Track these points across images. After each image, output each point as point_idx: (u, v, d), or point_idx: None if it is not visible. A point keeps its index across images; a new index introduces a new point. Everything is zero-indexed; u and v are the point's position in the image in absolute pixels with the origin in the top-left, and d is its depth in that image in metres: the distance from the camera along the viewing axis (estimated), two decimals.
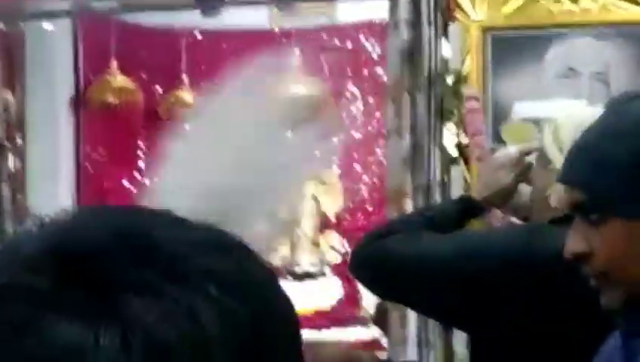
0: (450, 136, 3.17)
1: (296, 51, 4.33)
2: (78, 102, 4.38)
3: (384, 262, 1.61)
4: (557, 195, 1.55)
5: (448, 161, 3.16)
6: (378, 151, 4.30)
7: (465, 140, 3.15)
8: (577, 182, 1.08)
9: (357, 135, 4.47)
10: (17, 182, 4.04)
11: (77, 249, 0.46)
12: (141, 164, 4.52)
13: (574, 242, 1.09)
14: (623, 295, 1.06)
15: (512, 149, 1.80)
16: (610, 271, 1.06)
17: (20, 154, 4.04)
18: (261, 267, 0.52)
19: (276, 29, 4.47)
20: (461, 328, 1.86)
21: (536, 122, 3.32)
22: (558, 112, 3.35)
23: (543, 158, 1.64)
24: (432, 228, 1.62)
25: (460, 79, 3.17)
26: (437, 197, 3.14)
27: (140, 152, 4.52)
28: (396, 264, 1.60)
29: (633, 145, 1.02)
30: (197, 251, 0.47)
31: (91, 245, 0.46)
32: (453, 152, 3.17)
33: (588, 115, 1.67)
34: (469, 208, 1.74)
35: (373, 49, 4.38)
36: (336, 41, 4.43)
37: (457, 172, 3.18)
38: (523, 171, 1.74)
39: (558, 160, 1.59)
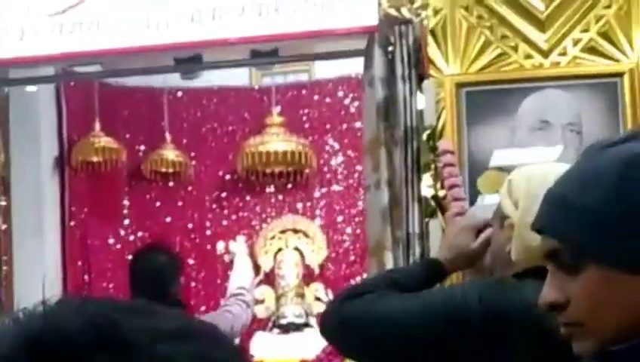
0: (428, 189, 3.23)
1: (277, 108, 4.40)
2: (63, 162, 4.43)
3: (354, 323, 1.63)
4: (519, 248, 1.58)
5: (427, 214, 3.21)
6: (360, 203, 4.36)
7: (442, 193, 3.20)
8: (551, 230, 1.07)
9: (338, 188, 4.53)
10: (2, 241, 4.07)
11: (49, 342, 0.50)
12: (126, 221, 4.56)
13: (550, 291, 1.07)
14: (597, 344, 1.05)
15: (478, 212, 1.83)
16: (586, 321, 1.05)
17: (5, 214, 4.07)
18: (226, 353, 0.55)
19: (256, 87, 4.55)
20: None
21: (512, 170, 3.38)
22: (534, 160, 3.43)
23: (500, 215, 1.67)
24: (399, 290, 1.66)
25: (436, 133, 3.23)
26: (416, 249, 3.19)
27: (124, 210, 4.56)
28: (364, 325, 1.62)
29: (606, 192, 1.02)
30: (161, 339, 0.51)
31: (62, 338, 0.50)
32: (431, 205, 3.22)
33: (539, 168, 1.72)
34: (434, 271, 1.77)
35: (351, 103, 4.46)
36: (316, 97, 4.51)
37: (436, 224, 3.22)
38: (489, 237, 1.75)
39: (513, 215, 1.63)
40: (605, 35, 3.25)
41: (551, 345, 1.33)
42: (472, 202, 3.23)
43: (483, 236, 1.77)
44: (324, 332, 1.75)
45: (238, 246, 4.33)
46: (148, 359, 0.50)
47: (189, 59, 3.38)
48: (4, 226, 4.08)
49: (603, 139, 1.19)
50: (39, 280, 4.19)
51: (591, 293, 1.04)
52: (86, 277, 4.48)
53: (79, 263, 4.47)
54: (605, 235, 1.02)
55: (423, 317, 1.56)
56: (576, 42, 3.27)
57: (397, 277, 1.74)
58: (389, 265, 3.18)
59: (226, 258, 4.34)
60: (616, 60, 3.24)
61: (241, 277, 3.99)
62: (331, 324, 1.71)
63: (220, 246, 4.40)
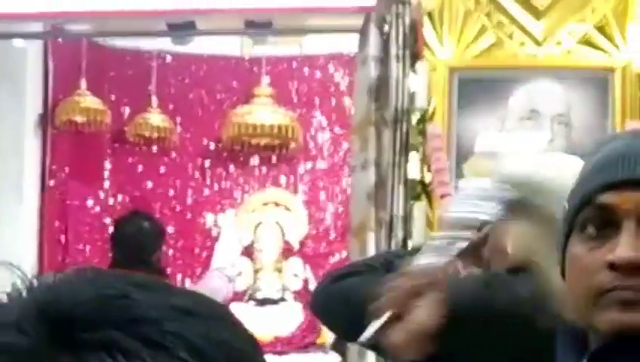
0: (415, 172, 3.22)
1: (266, 79, 4.37)
2: (46, 120, 4.38)
3: (344, 302, 1.64)
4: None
5: (412, 197, 3.21)
6: (344, 180, 4.35)
7: (428, 176, 3.20)
8: None
9: (323, 164, 4.52)
10: None
11: (59, 311, 0.50)
12: (106, 184, 4.53)
13: (634, 248, 0.96)
14: None
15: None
16: None
17: None
18: (238, 334, 0.55)
19: (246, 57, 4.51)
20: None
21: (497, 156, 3.40)
22: (519, 146, 3.45)
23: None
24: (391, 272, 1.66)
25: (426, 117, 3.23)
26: (399, 232, 3.19)
27: (105, 172, 4.53)
28: (354, 305, 1.62)
29: None
30: (171, 315, 0.51)
31: (72, 307, 0.50)
32: (417, 188, 3.22)
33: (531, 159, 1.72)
34: None
35: (341, 80, 4.44)
36: (306, 71, 4.48)
37: (420, 207, 3.23)
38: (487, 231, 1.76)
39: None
40: (601, 29, 3.24)
41: (533, 345, 1.33)
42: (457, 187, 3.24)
43: (486, 228, 1.78)
44: (312, 308, 1.77)
45: (227, 219, 4.32)
46: (157, 333, 0.50)
47: (183, 25, 3.35)
48: None
49: None
50: (15, 237, 4.16)
51: None
52: (62, 237, 4.45)
53: (56, 223, 4.43)
54: None
55: None
56: (571, 34, 3.26)
57: (392, 259, 1.75)
58: (371, 246, 3.19)
59: (214, 231, 4.33)
60: (610, 55, 3.24)
61: (226, 250, 3.98)
62: (321, 302, 1.73)
63: (210, 219, 4.38)
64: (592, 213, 1.01)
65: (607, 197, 0.99)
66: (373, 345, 1.63)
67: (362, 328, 1.64)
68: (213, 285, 3.79)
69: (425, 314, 1.50)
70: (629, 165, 1.00)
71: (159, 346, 0.49)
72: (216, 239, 4.34)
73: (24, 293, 0.53)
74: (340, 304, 1.67)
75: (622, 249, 0.97)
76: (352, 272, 1.72)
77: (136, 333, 0.49)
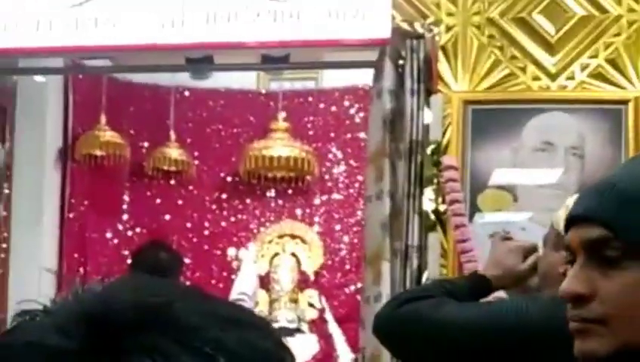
0: (429, 203, 3.25)
1: (282, 114, 4.43)
2: (66, 154, 4.44)
3: (418, 323, 1.66)
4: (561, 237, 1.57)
5: (427, 227, 3.23)
6: (359, 212, 4.39)
7: (443, 207, 3.23)
8: (604, 216, 1.00)
9: (338, 196, 4.56)
10: (1, 229, 4.09)
11: (104, 316, 0.52)
12: (125, 216, 4.58)
13: (577, 282, 1.00)
14: (615, 345, 0.99)
15: (525, 242, 1.89)
16: (613, 319, 0.99)
17: (6, 203, 4.09)
18: (277, 344, 0.56)
19: (263, 91, 4.58)
20: None
21: (512, 190, 3.43)
22: (535, 181, 3.47)
23: (552, 239, 1.74)
24: (452, 299, 1.70)
25: (440, 148, 3.27)
26: (414, 261, 3.21)
27: (124, 205, 4.58)
28: (431, 326, 1.65)
29: None
30: (212, 323, 0.53)
31: (117, 314, 0.53)
32: (432, 219, 3.25)
33: None
34: (481, 287, 1.83)
35: (356, 114, 4.49)
36: (321, 105, 4.54)
37: (435, 238, 3.25)
38: (534, 262, 1.83)
39: None
40: (613, 62, 3.28)
41: None
42: (472, 218, 3.27)
43: (532, 258, 1.85)
44: (379, 331, 1.76)
45: (248, 253, 4.35)
46: (198, 340, 0.52)
47: (201, 60, 3.41)
48: (4, 213, 4.10)
49: None
50: (35, 269, 4.21)
51: (627, 292, 0.98)
52: (81, 269, 4.49)
53: (76, 255, 4.48)
54: None
55: (489, 324, 1.60)
56: (584, 67, 3.31)
57: (448, 286, 1.79)
58: (386, 275, 3.21)
59: (234, 264, 4.35)
60: (622, 88, 3.28)
61: (244, 283, 4.01)
62: (389, 324, 1.73)
63: (232, 252, 4.40)
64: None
65: (568, 235, 1.07)
66: None
67: (435, 350, 1.66)
68: None
69: None
70: (577, 202, 1.06)
71: (199, 352, 0.51)
72: (233, 271, 4.37)
73: (70, 299, 0.55)
74: (410, 325, 1.69)
75: (564, 282, 1.03)
76: (415, 297, 1.74)
77: (178, 339, 0.51)
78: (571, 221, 1.06)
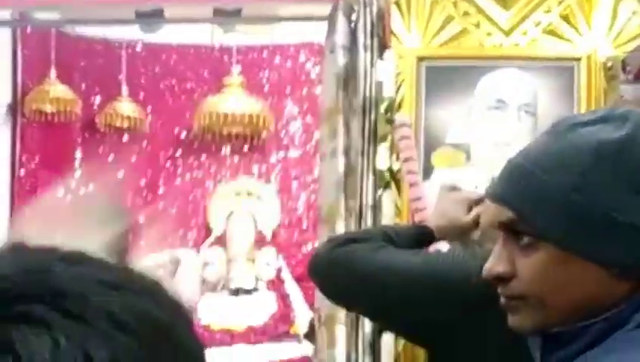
0: (383, 161, 3.24)
1: (237, 68, 4.37)
2: (16, 109, 4.35)
3: (351, 266, 1.64)
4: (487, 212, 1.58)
5: (380, 185, 3.22)
6: (315, 169, 4.36)
7: (397, 165, 3.22)
8: (513, 202, 1.04)
9: (295, 153, 4.53)
10: None
11: None
12: (77, 173, 4.51)
13: (498, 263, 1.06)
14: (538, 319, 1.05)
15: (472, 193, 1.85)
16: (531, 296, 1.04)
17: None
18: (167, 308, 0.54)
19: (217, 45, 4.51)
20: (421, 343, 1.85)
21: (466, 148, 3.42)
22: (487, 139, 3.47)
23: None
24: (391, 245, 1.67)
25: (394, 105, 3.24)
26: (369, 220, 3.20)
27: (76, 162, 4.51)
28: (364, 270, 1.62)
29: (574, 175, 1.00)
30: (96, 289, 0.51)
31: None
32: (386, 177, 3.24)
33: None
34: (423, 235, 1.79)
35: (312, 69, 4.44)
36: (277, 60, 4.48)
37: (389, 196, 3.24)
38: (478, 215, 1.75)
39: None
40: (566, 18, 3.27)
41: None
42: (426, 176, 3.26)
43: (475, 211, 1.79)
44: (313, 271, 1.74)
45: (187, 255, 4.17)
46: (79, 307, 0.50)
47: (151, 13, 3.33)
48: None
49: (573, 116, 1.18)
50: None
51: (543, 271, 1.03)
52: None
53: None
54: (567, 218, 1.01)
55: (420, 272, 1.58)
56: (537, 23, 3.29)
57: (391, 233, 1.75)
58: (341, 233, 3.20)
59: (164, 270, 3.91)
60: (575, 44, 3.27)
61: (186, 286, 3.86)
62: (323, 264, 1.71)
63: (163, 256, 3.96)
64: None
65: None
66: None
67: (365, 293, 1.64)
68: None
69: None
70: (493, 182, 1.11)
71: (81, 319, 0.49)
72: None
73: None
74: (343, 268, 1.67)
75: (487, 263, 1.08)
76: (354, 239, 1.71)
77: (59, 307, 0.49)
78: (490, 199, 1.09)
